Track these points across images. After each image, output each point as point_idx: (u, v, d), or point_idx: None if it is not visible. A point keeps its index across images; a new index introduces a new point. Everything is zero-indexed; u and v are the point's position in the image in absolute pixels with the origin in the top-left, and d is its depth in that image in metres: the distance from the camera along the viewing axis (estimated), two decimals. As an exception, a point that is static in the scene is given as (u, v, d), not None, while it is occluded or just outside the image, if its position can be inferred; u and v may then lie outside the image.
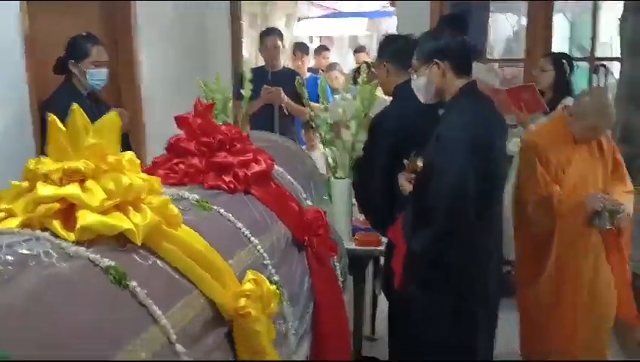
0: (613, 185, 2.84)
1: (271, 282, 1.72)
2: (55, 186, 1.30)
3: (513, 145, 3.27)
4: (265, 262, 1.74)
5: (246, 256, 1.69)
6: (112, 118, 1.44)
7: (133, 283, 1.18)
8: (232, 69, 4.78)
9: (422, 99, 2.43)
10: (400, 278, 2.34)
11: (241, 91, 3.29)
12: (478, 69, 3.60)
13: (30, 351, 0.91)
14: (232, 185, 1.95)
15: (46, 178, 1.31)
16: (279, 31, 4.58)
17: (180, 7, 4.31)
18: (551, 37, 4.68)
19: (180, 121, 2.06)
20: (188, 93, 2.78)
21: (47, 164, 1.34)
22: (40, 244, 1.16)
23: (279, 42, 4.32)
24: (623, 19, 3.99)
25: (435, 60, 2.32)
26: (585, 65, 4.78)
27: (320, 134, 3.02)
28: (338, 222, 2.69)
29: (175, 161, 2.00)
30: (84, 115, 1.39)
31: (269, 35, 4.40)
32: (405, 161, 2.41)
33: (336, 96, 4.14)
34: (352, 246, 2.71)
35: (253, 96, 3.44)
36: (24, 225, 1.25)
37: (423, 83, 2.37)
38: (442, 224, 2.22)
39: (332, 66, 5.73)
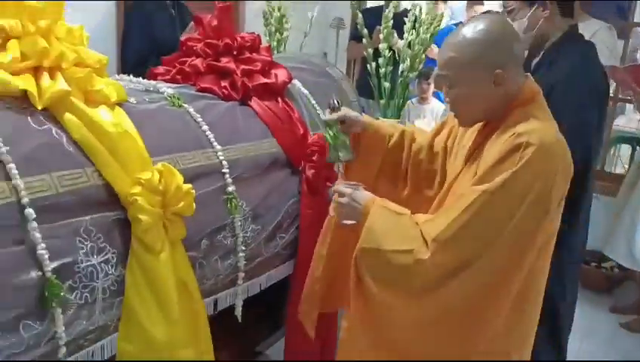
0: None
1: (226, 193, 1.63)
2: (-23, 39, 1.30)
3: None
4: (223, 170, 1.64)
5: (200, 157, 1.60)
6: (58, -13, 1.40)
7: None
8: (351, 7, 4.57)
9: None
10: None
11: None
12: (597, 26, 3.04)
13: None
14: (225, 91, 1.86)
15: (-23, 31, 1.32)
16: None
17: None
18: None
19: (197, 20, 2.00)
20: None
21: (-18, 19, 1.34)
22: None
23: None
24: None
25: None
26: None
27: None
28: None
29: (181, 59, 1.95)
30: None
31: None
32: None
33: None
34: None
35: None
36: None
37: (523, 27, 2.04)
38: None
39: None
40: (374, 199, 1.41)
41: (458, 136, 1.56)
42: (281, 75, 2.01)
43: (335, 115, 1.61)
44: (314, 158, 1.90)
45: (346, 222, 1.42)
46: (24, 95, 1.28)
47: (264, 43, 2.11)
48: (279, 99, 1.98)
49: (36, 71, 1.33)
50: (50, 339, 1.15)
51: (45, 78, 1.32)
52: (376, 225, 1.34)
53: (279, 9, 2.77)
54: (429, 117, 4.52)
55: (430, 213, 1.47)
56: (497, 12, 2.46)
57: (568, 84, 1.89)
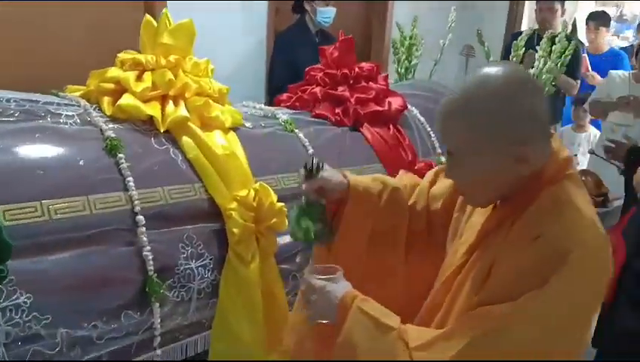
0: None
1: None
2: (120, 71, 1.57)
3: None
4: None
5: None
6: (188, 26, 1.63)
7: (121, 155, 1.39)
8: (506, 27, 4.45)
9: None
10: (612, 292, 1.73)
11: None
12: None
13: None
14: (337, 118, 1.98)
15: (121, 65, 1.60)
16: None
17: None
18: None
19: (321, 51, 2.16)
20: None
21: (126, 55, 1.62)
22: (75, 109, 1.46)
23: (557, 5, 3.85)
24: None
25: None
26: None
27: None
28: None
29: (303, 87, 2.12)
30: (170, 20, 1.63)
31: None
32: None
33: (614, 72, 3.57)
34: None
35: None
36: (83, 95, 1.56)
37: None
38: None
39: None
40: (354, 296, 1.08)
41: (468, 207, 1.20)
42: (395, 102, 2.09)
43: (313, 184, 1.22)
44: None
45: (319, 321, 1.11)
46: (150, 119, 1.52)
47: (391, 71, 2.21)
48: (391, 126, 2.06)
49: (163, 99, 1.56)
50: (147, 329, 1.35)
51: (170, 106, 1.55)
52: (355, 337, 1.04)
53: (411, 38, 2.85)
54: (584, 145, 4.26)
55: (424, 314, 1.16)
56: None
57: None
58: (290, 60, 3.00)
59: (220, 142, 1.57)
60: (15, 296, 1.14)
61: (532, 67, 2.73)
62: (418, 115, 2.20)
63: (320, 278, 1.12)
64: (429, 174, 1.38)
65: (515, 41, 2.38)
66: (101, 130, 1.42)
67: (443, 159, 2.16)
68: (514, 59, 2.39)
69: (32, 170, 1.24)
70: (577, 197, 1.01)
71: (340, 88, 2.04)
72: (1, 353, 1.12)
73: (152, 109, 1.52)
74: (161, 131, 1.51)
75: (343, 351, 1.05)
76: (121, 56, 1.62)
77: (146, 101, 1.53)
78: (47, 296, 1.18)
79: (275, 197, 1.55)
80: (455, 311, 1.07)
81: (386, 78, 2.15)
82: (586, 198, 1.05)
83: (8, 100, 1.37)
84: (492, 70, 1.02)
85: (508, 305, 0.93)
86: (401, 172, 1.45)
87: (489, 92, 0.99)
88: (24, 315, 1.14)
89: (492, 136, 0.99)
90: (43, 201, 1.22)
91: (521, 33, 2.70)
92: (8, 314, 1.12)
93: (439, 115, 1.04)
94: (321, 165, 1.23)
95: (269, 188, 1.56)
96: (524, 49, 2.36)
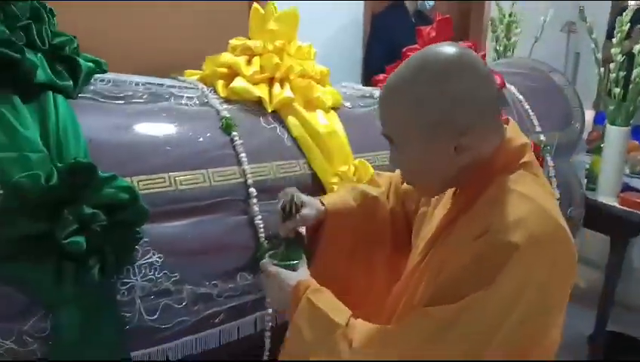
0: None
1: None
2: (232, 56, 1.71)
3: None
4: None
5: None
6: (292, 13, 1.75)
7: (234, 133, 1.52)
8: (612, 2, 4.23)
9: None
10: None
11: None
12: None
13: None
14: (434, 97, 2.03)
15: (233, 50, 1.74)
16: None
17: None
18: None
19: (418, 32, 2.20)
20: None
21: (237, 41, 1.76)
22: (194, 92, 1.61)
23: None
24: None
25: None
26: None
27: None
28: (604, 172, 2.38)
29: (400, 68, 2.18)
30: (275, 7, 1.75)
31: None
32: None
33: None
34: (614, 203, 2.36)
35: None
36: (200, 78, 1.72)
37: None
38: None
39: None
40: (307, 286, 1.05)
41: (434, 200, 1.17)
42: (492, 81, 2.10)
43: (292, 225, 1.23)
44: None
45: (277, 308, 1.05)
46: (259, 100, 1.65)
47: (490, 49, 2.22)
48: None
49: (270, 81, 1.69)
50: (261, 290, 1.48)
51: (276, 87, 1.67)
52: (302, 331, 1.00)
53: (510, 15, 2.81)
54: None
55: (388, 309, 1.13)
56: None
57: None
58: (388, 41, 3.06)
59: (322, 121, 1.67)
60: (148, 256, 1.31)
61: (638, 43, 2.61)
62: (516, 93, 2.20)
63: (277, 264, 1.10)
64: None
65: (619, 17, 2.30)
66: (217, 110, 1.56)
67: (542, 138, 2.15)
68: (618, 35, 2.31)
69: (160, 145, 1.41)
70: (528, 185, 0.94)
71: (437, 68, 2.08)
72: (138, 304, 1.29)
73: (261, 91, 1.64)
74: (269, 111, 1.64)
75: (293, 344, 1.03)
76: (233, 42, 1.76)
77: (255, 83, 1.66)
78: (175, 257, 1.34)
79: (373, 173, 1.63)
80: (412, 308, 1.02)
81: (483, 56, 2.17)
82: (542, 187, 0.97)
83: (137, 84, 1.54)
84: (429, 52, 0.95)
85: (451, 307, 0.87)
86: (376, 174, 1.49)
87: (423, 76, 0.93)
88: (156, 272, 1.31)
89: (426, 123, 0.93)
90: (170, 173, 1.38)
91: (626, 8, 2.59)
92: (143, 271, 1.29)
93: (380, 92, 1.00)
94: (299, 204, 1.23)
95: (368, 164, 1.65)
96: (629, 24, 2.27)
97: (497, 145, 0.97)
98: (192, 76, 1.75)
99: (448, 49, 0.96)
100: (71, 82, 1.34)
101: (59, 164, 1.17)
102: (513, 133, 1.01)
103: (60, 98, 1.29)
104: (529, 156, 1.01)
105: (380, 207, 1.34)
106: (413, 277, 1.08)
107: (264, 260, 1.15)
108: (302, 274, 1.10)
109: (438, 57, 0.94)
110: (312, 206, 1.27)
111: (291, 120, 1.64)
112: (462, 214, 0.99)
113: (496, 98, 0.99)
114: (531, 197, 0.92)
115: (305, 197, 1.27)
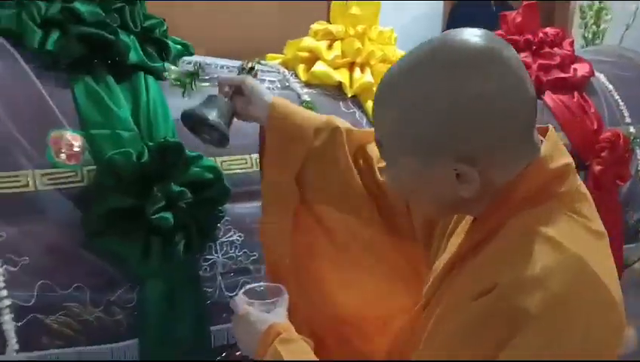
0: None
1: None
2: (313, 40, 1.72)
3: None
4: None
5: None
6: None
7: (315, 116, 1.53)
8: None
9: None
10: None
11: None
12: None
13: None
14: (518, 85, 1.96)
15: (314, 35, 1.75)
16: None
17: None
18: None
19: (502, 17, 2.14)
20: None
21: (319, 25, 1.76)
22: (275, 75, 1.63)
23: None
24: None
25: None
26: None
27: None
28: None
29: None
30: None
31: None
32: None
33: None
34: None
35: None
36: (282, 63, 1.73)
37: None
38: None
39: None
40: (277, 332, 0.87)
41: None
42: (581, 69, 2.01)
43: (235, 80, 1.09)
44: (603, 154, 1.88)
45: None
46: (339, 85, 1.65)
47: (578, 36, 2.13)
48: (575, 93, 1.99)
49: (351, 66, 1.69)
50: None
51: (356, 72, 1.66)
52: None
53: (600, 1, 2.69)
54: None
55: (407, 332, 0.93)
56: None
57: None
58: (467, 28, 2.98)
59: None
60: (230, 234, 1.34)
61: None
62: (606, 81, 2.10)
63: (250, 302, 0.93)
64: None
65: None
66: (298, 94, 1.58)
67: (632, 129, 2.05)
68: None
69: (242, 127, 1.43)
70: (558, 225, 0.68)
71: (523, 54, 2.01)
72: (219, 281, 1.33)
73: (341, 75, 1.64)
74: (349, 96, 1.63)
75: None
76: (314, 26, 1.76)
77: (336, 68, 1.66)
78: (254, 237, 1.36)
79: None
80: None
81: (571, 43, 2.07)
82: (581, 228, 0.69)
83: (222, 67, 1.57)
84: (447, 37, 0.70)
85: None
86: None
87: (427, 68, 0.68)
88: (237, 251, 1.34)
89: (419, 137, 0.68)
90: (252, 155, 1.40)
91: None
92: (225, 248, 1.33)
93: (376, 91, 0.76)
94: (255, 70, 1.10)
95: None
96: None
97: (526, 169, 0.70)
98: (273, 60, 1.77)
99: (472, 37, 0.68)
100: (161, 63, 1.38)
101: (149, 143, 1.22)
102: (550, 149, 0.72)
103: (150, 79, 1.34)
104: (570, 184, 0.72)
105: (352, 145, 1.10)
106: (429, 303, 0.85)
107: (237, 296, 0.96)
108: (277, 316, 0.91)
109: (452, 46, 0.68)
110: (266, 91, 1.10)
111: (371, 105, 1.63)
112: (470, 254, 0.75)
113: (530, 114, 0.71)
114: (559, 241, 0.66)
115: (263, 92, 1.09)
